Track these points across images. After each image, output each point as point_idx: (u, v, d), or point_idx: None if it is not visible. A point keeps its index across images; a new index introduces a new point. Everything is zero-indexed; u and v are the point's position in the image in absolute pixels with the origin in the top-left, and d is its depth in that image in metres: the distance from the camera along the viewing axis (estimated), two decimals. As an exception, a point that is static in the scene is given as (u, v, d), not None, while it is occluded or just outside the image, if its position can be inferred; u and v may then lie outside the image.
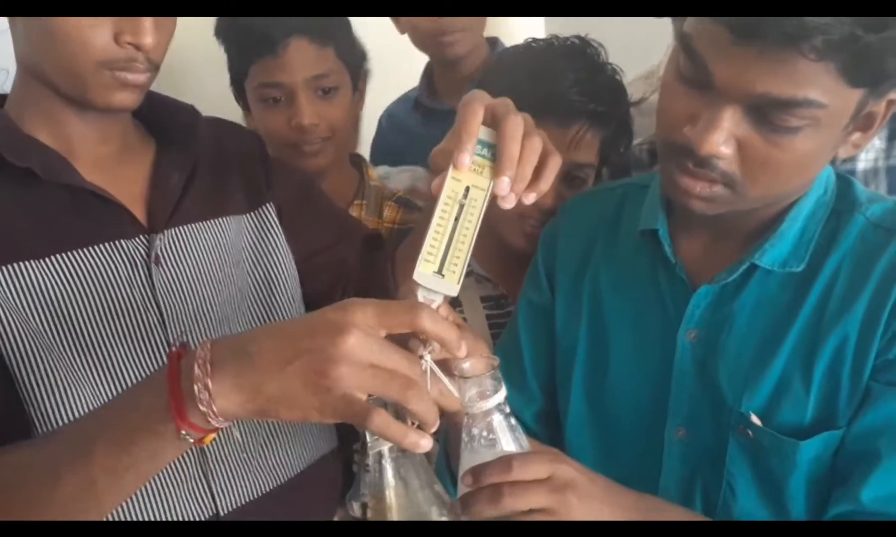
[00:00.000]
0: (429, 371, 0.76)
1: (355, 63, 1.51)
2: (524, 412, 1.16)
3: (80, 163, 1.02)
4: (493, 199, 0.79)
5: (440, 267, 0.78)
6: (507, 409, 0.82)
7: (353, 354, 0.69)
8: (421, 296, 0.78)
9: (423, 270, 0.78)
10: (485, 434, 0.81)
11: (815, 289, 0.95)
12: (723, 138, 0.86)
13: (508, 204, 0.79)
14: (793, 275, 0.96)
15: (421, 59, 1.87)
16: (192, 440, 0.74)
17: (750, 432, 0.95)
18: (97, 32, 0.94)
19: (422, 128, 1.85)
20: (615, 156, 1.31)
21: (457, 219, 0.79)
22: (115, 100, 0.98)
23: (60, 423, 0.95)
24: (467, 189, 0.79)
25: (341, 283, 1.09)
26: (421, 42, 1.77)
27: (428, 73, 1.88)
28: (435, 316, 0.74)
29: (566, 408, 1.12)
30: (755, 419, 0.95)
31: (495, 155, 0.79)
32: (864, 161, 1.34)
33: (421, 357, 0.76)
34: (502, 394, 0.81)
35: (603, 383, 1.09)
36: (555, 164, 0.82)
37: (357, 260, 1.09)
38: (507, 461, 0.80)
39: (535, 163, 0.80)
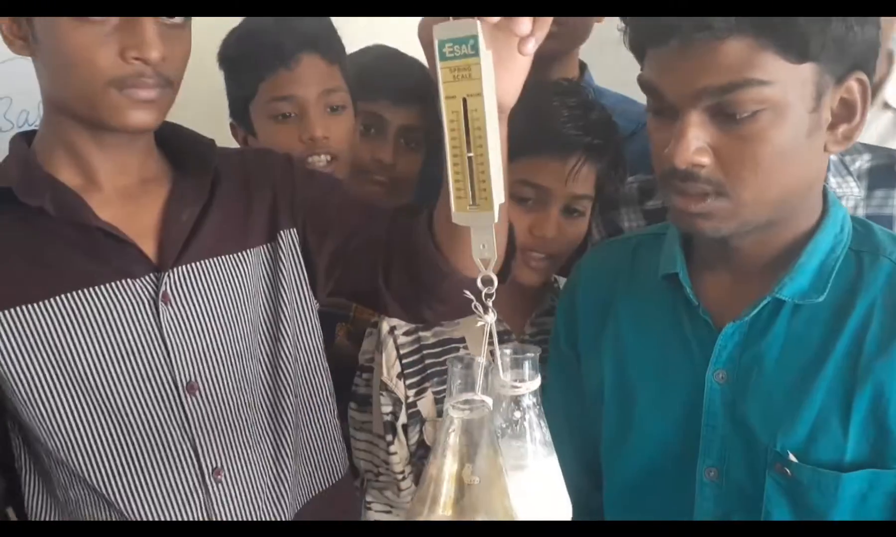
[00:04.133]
0: (486, 331, 0.75)
1: (355, 86, 1.53)
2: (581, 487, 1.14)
3: (98, 196, 1.02)
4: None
5: (472, 198, 0.75)
6: (539, 402, 0.81)
7: None
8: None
9: (458, 210, 0.76)
10: (516, 417, 0.80)
11: (848, 327, 0.96)
12: (693, 146, 0.90)
13: (529, 48, 0.77)
14: (821, 314, 0.98)
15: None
16: None
17: (788, 470, 0.96)
18: (103, 51, 0.94)
19: None
20: (611, 188, 1.36)
21: (468, 139, 0.74)
22: (130, 119, 0.98)
23: (67, 462, 0.99)
24: (465, 101, 0.74)
25: (379, 262, 1.07)
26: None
27: None
28: None
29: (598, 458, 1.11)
30: (792, 457, 0.95)
31: (477, 47, 0.73)
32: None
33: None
34: (537, 381, 0.80)
35: (629, 431, 1.09)
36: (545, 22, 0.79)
37: (389, 235, 1.07)
38: None
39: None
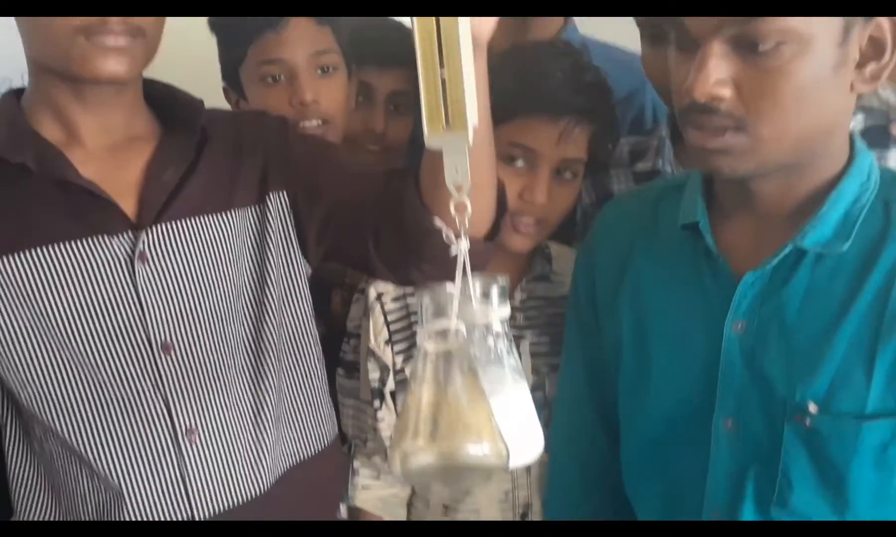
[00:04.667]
0: (460, 258, 0.76)
1: (349, 50, 1.50)
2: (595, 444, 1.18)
3: (81, 153, 1.02)
4: None
5: (446, 119, 0.74)
6: (509, 331, 0.83)
7: None
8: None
9: (431, 133, 0.74)
10: (489, 344, 0.82)
11: (873, 278, 0.93)
12: (713, 77, 0.87)
13: None
14: (845, 264, 0.95)
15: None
16: None
17: (807, 421, 0.94)
18: None
19: None
20: (603, 152, 1.33)
21: (441, 58, 0.73)
22: (100, 68, 0.97)
23: (39, 414, 1.01)
24: (437, 21, 0.72)
25: (369, 226, 1.06)
26: None
27: None
28: None
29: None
30: (812, 407, 0.93)
31: None
32: None
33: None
34: (507, 310, 0.81)
35: (647, 380, 1.08)
36: None
37: (379, 198, 1.06)
38: None
39: None
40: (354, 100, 1.50)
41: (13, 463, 1.08)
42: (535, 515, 1.31)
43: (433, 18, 0.72)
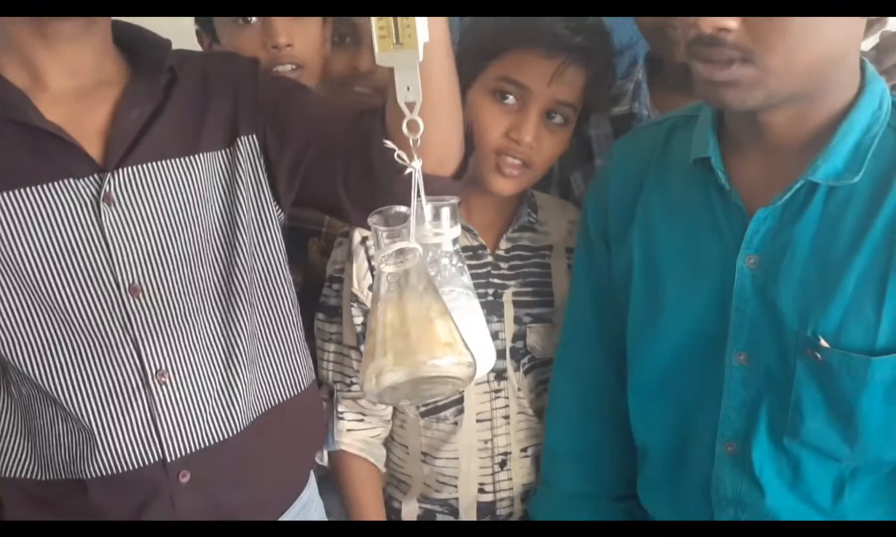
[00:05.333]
0: (414, 178, 0.79)
1: None
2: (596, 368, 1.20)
3: (46, 97, 1.01)
4: None
5: (396, 36, 0.75)
6: (459, 250, 0.87)
7: None
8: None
9: (382, 50, 0.76)
10: (443, 264, 0.86)
11: (885, 209, 0.93)
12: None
13: None
14: (857, 196, 0.95)
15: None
16: None
17: (818, 355, 0.95)
18: None
19: None
20: (597, 99, 1.29)
21: None
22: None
23: (11, 357, 1.01)
24: None
25: (339, 167, 1.05)
26: None
27: None
28: None
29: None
30: (823, 342, 0.94)
31: None
32: None
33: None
34: (457, 230, 0.86)
35: (658, 313, 1.09)
36: None
37: (349, 138, 1.04)
38: None
39: None
40: (330, 42, 1.45)
41: None
42: (514, 462, 1.32)
43: None
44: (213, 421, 1.07)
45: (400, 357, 0.81)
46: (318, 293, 1.36)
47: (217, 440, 1.07)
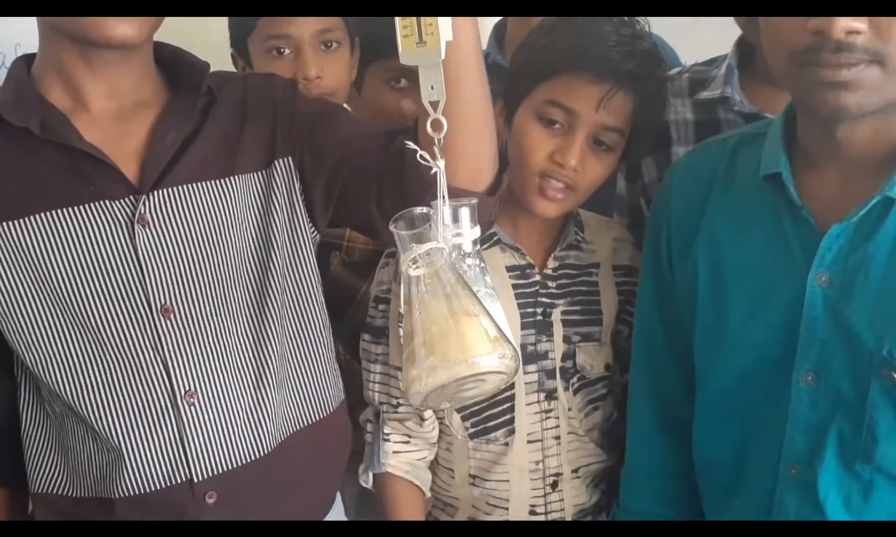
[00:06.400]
0: (439, 178, 0.80)
1: (354, 26, 1.49)
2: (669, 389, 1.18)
3: (87, 118, 1.03)
4: None
5: (419, 35, 0.76)
6: (480, 251, 0.87)
7: None
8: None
9: (405, 49, 0.77)
10: (465, 267, 0.85)
11: None
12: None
13: None
14: None
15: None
16: None
17: (894, 375, 0.92)
18: None
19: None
20: (646, 126, 1.28)
21: None
22: (111, 32, 0.96)
23: (44, 375, 1.03)
24: None
25: (373, 186, 1.05)
26: None
27: (498, 33, 1.86)
28: None
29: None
30: (901, 362, 0.92)
31: None
32: None
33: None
34: (477, 231, 0.85)
35: (724, 332, 1.07)
36: None
37: (383, 158, 1.04)
38: None
39: None
40: (357, 73, 1.51)
41: (26, 423, 1.10)
42: (566, 483, 1.30)
43: None
44: (241, 443, 1.06)
45: (443, 357, 0.80)
46: (340, 306, 1.36)
47: (245, 461, 1.06)
